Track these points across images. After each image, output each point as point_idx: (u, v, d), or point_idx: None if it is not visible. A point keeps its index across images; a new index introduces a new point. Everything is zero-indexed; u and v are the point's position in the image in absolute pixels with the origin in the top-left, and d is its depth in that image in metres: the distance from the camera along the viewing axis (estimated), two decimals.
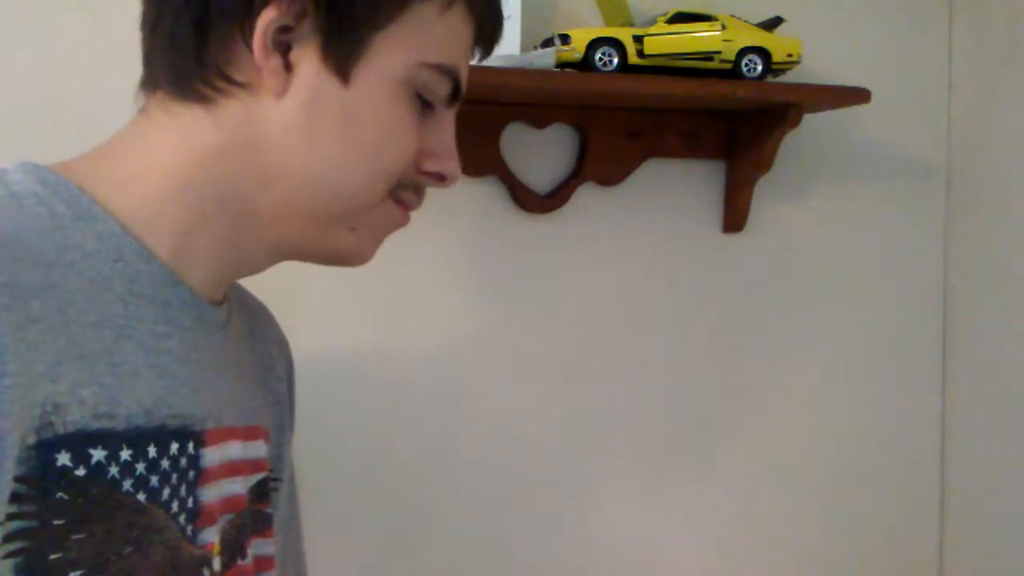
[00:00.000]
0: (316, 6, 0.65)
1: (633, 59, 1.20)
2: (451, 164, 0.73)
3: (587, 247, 1.37)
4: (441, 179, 0.73)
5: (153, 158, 0.68)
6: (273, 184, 0.68)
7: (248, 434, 0.76)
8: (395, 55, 0.67)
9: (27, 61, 1.16)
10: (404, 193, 0.72)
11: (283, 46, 0.66)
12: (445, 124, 0.73)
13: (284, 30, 0.66)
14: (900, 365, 1.51)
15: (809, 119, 1.33)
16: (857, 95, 1.28)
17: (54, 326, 0.59)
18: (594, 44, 1.19)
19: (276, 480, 0.83)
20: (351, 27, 0.66)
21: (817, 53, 1.36)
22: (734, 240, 1.43)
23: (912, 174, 1.51)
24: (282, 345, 0.89)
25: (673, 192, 1.40)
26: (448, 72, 0.69)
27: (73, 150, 1.17)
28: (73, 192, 0.65)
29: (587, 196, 1.36)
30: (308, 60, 0.66)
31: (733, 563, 1.45)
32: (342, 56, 0.66)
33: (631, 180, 1.37)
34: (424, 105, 0.70)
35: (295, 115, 0.66)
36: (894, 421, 1.51)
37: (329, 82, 0.66)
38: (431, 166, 0.72)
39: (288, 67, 0.66)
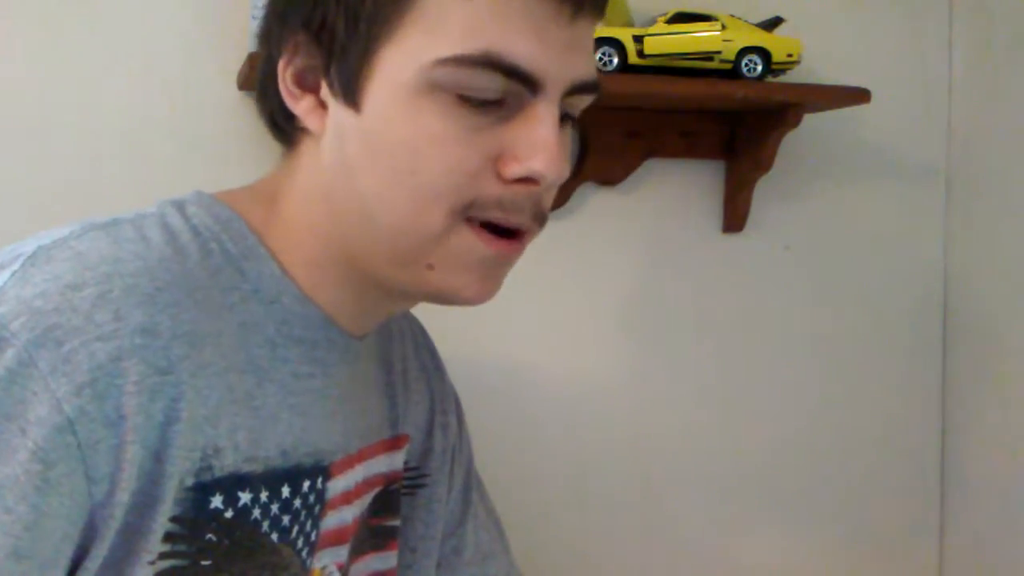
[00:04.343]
0: (314, 40, 0.62)
1: (633, 59, 1.20)
2: (537, 161, 0.59)
3: (586, 247, 1.37)
4: (530, 182, 0.60)
5: (287, 200, 0.67)
6: (348, 226, 0.64)
7: (375, 451, 0.76)
8: (402, 64, 0.59)
9: (25, 65, 1.16)
10: (487, 213, 0.61)
11: (314, 86, 0.64)
12: (534, 116, 0.60)
13: (309, 69, 0.63)
14: (900, 365, 1.51)
15: (809, 119, 1.33)
16: (857, 95, 1.28)
17: (218, 371, 0.60)
18: (594, 44, 1.19)
19: (424, 476, 0.84)
20: (346, 50, 0.61)
21: (817, 53, 1.36)
22: (734, 240, 1.43)
23: (912, 174, 1.50)
24: (415, 330, 0.87)
25: (673, 192, 1.40)
26: (478, 61, 0.58)
27: (70, 153, 1.17)
28: (242, 231, 0.65)
29: (587, 196, 1.36)
30: (330, 94, 0.63)
31: (730, 563, 1.45)
32: (345, 83, 0.61)
33: (631, 180, 1.37)
34: (490, 104, 0.59)
35: (334, 153, 0.63)
36: (894, 421, 1.51)
37: (345, 113, 0.62)
38: (513, 170, 0.60)
39: (323, 105, 0.63)
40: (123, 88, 1.20)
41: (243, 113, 1.22)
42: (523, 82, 0.59)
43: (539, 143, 0.60)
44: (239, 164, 1.23)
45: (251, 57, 1.10)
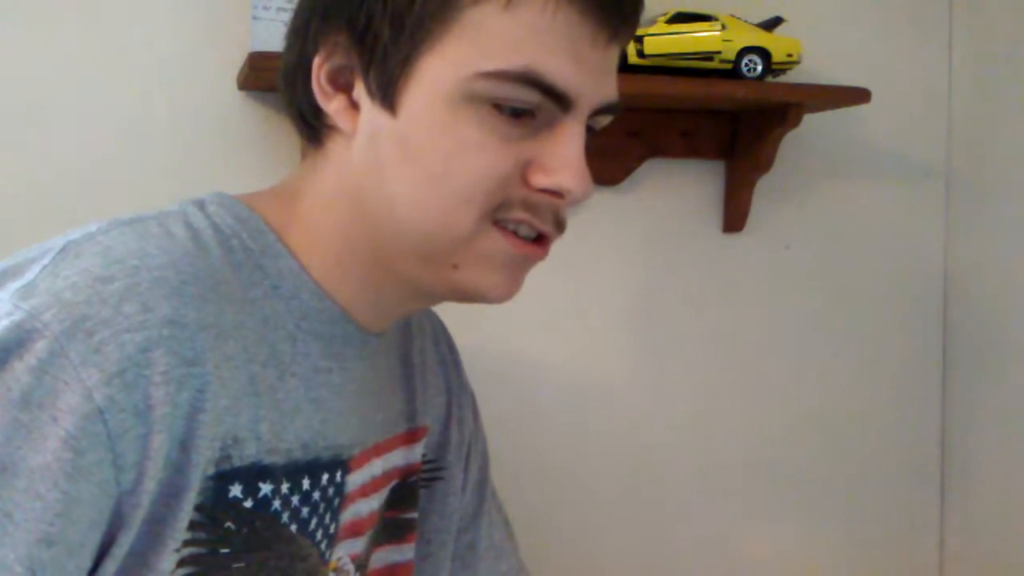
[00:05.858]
0: (356, 41, 0.63)
1: (633, 59, 1.21)
2: (565, 177, 0.63)
3: (586, 247, 1.37)
4: (556, 195, 0.64)
5: (309, 197, 0.68)
6: (375, 225, 0.65)
7: (393, 444, 0.77)
8: (443, 73, 0.61)
9: (26, 65, 1.16)
10: (513, 214, 0.64)
11: (347, 85, 0.65)
12: (564, 133, 0.63)
13: (344, 69, 0.65)
14: (900, 365, 1.51)
15: (809, 119, 1.33)
16: (857, 95, 1.28)
17: (240, 364, 0.61)
18: None
19: (441, 468, 0.85)
20: (388, 54, 0.62)
21: (817, 53, 1.36)
22: (734, 240, 1.43)
23: (912, 174, 1.51)
24: (434, 325, 0.88)
25: (673, 192, 1.41)
26: (518, 77, 0.60)
27: (71, 153, 1.17)
28: (261, 228, 0.66)
29: None
30: (364, 95, 0.64)
31: (731, 558, 1.45)
32: (383, 86, 0.63)
33: (631, 180, 1.37)
34: (520, 114, 0.62)
35: (365, 154, 0.65)
36: (894, 421, 1.51)
37: (380, 115, 0.63)
38: (540, 181, 0.63)
39: (355, 106, 0.65)
40: (123, 88, 1.20)
41: (243, 113, 1.22)
42: (557, 100, 0.62)
43: (567, 160, 0.63)
44: (239, 164, 1.24)
45: (251, 57, 1.10)
